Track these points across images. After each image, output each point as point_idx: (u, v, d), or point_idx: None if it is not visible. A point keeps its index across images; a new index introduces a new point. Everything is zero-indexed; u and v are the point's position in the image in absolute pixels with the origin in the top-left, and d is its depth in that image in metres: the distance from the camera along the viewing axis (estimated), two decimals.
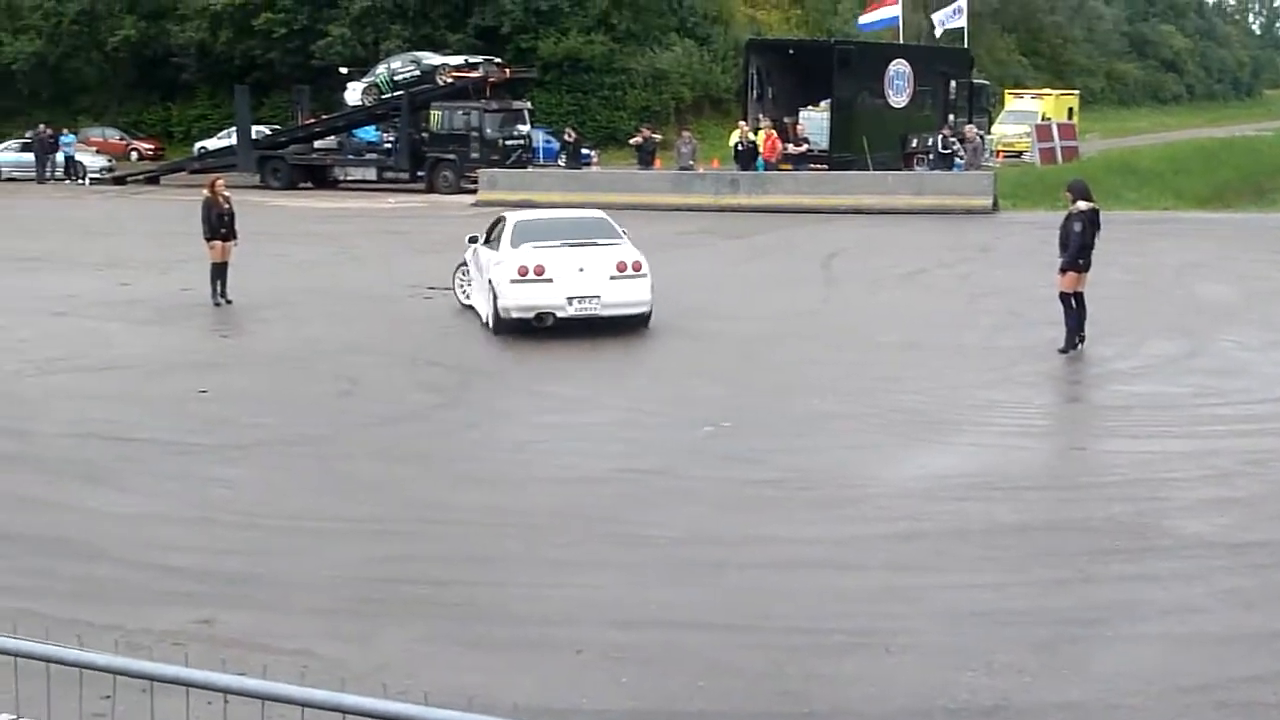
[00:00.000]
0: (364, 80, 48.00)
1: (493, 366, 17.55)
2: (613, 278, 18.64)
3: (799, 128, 41.32)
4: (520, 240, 19.10)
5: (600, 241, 19.34)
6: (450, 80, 45.91)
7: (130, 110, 65.78)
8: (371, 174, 47.30)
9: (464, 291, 21.20)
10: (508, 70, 48.35)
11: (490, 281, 19.03)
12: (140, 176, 51.90)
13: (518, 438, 13.73)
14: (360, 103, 47.76)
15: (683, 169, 39.68)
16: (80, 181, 50.45)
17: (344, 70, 50.86)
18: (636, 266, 18.79)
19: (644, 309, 18.98)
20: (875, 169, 38.37)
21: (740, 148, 38.97)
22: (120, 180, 51.07)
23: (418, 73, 46.75)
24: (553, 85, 58.76)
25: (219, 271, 21.89)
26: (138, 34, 63.12)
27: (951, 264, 25.49)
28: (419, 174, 45.26)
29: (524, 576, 9.67)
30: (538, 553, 10.17)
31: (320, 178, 47.72)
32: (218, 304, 21.71)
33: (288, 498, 11.68)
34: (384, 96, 46.86)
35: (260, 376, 17.06)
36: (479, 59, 47.94)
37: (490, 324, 19.10)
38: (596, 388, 16.03)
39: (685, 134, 43.87)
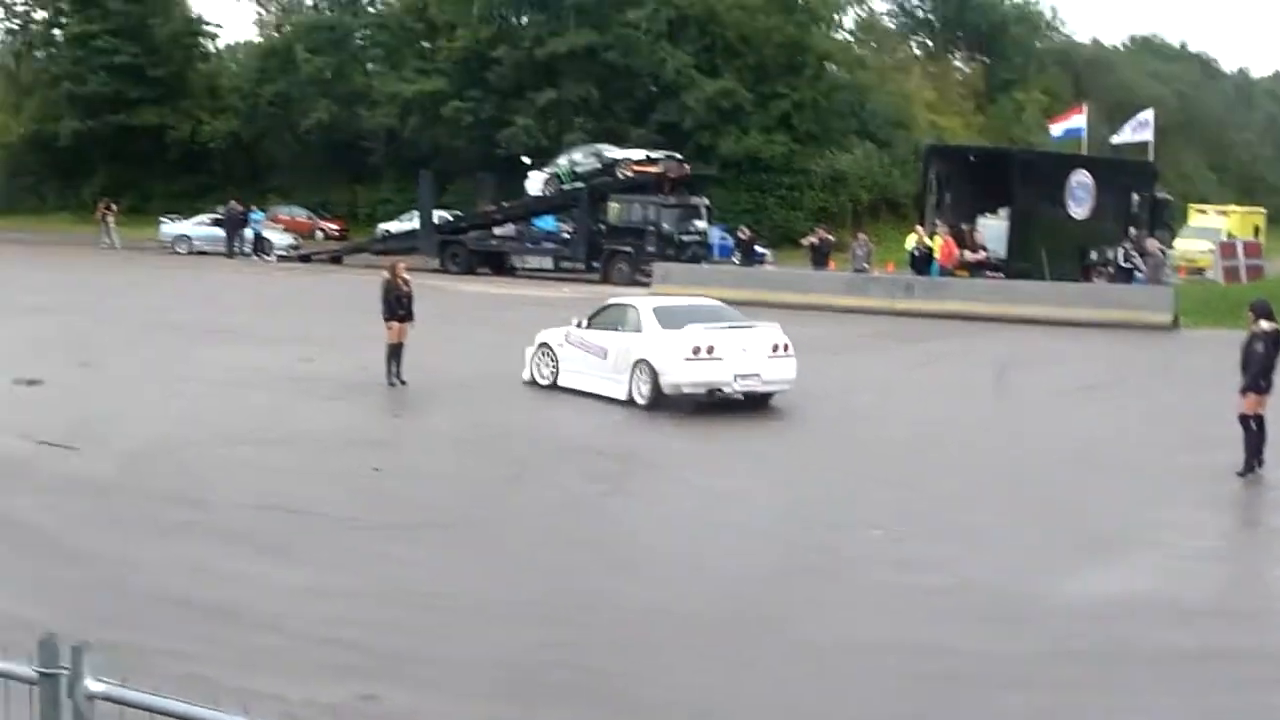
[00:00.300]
0: (546, 170, 48.76)
1: (656, 456, 17.62)
2: (770, 356, 20.40)
3: (977, 235, 40.96)
4: (666, 323, 20.60)
5: (753, 324, 21.03)
6: (630, 174, 46.50)
7: (318, 190, 67.46)
8: (548, 263, 47.95)
9: (541, 372, 22.26)
10: (687, 166, 48.83)
11: (645, 360, 20.32)
12: (324, 255, 53.12)
13: (681, 530, 13.75)
14: (541, 192, 48.49)
15: (857, 271, 39.62)
16: (267, 258, 51.70)
17: (526, 160, 51.73)
18: (787, 347, 20.52)
19: (790, 386, 20.68)
20: (1053, 280, 37.91)
21: (916, 253, 38.80)
22: (305, 258, 52.27)
23: (598, 165, 47.42)
24: (731, 182, 59.10)
25: (395, 352, 22.28)
26: (329, 118, 64.99)
27: (1128, 380, 25.05)
28: (595, 265, 45.72)
29: (680, 671, 9.66)
30: (696, 648, 10.16)
31: (498, 264, 48.46)
32: (392, 384, 22.08)
33: (455, 578, 11.82)
34: (564, 187, 47.55)
35: (432, 457, 17.34)
36: (659, 154, 48.50)
37: (642, 400, 20.35)
38: (763, 483, 16.00)
39: (861, 236, 43.78)
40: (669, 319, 20.69)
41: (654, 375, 20.13)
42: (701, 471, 16.55)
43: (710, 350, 19.94)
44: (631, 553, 12.95)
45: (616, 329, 21.17)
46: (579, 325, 21.91)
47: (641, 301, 22.17)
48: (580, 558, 12.76)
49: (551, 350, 22.14)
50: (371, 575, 11.82)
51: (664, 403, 19.98)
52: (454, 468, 16.62)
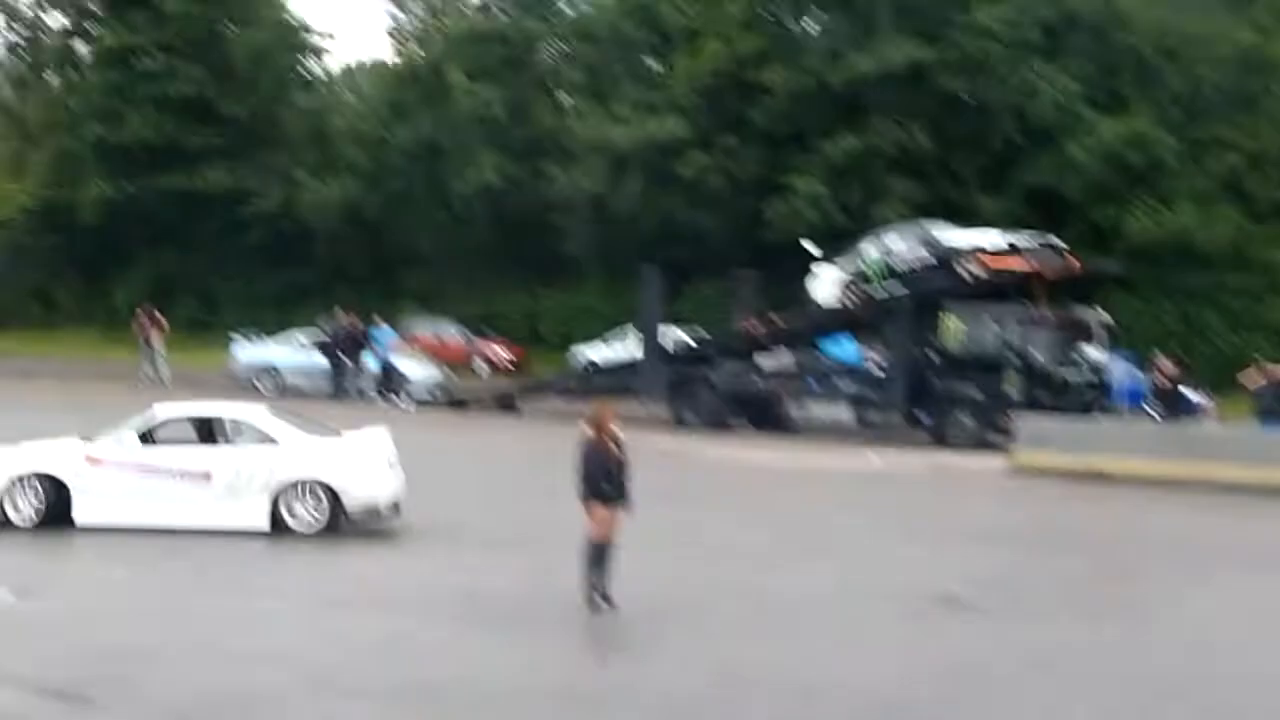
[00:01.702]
0: (843, 265, 48.79)
1: None
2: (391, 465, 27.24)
3: None
4: (309, 430, 26.78)
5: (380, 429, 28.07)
6: (981, 272, 46.24)
7: (479, 295, 67.83)
8: (845, 412, 47.86)
9: (19, 510, 26.19)
10: (1075, 260, 48.41)
11: (316, 480, 25.86)
12: (489, 399, 53.81)
13: None
14: (835, 300, 48.52)
15: None
16: (400, 402, 51.96)
17: (811, 247, 51.43)
18: None
19: None
20: None
21: None
22: (459, 403, 52.93)
23: (929, 258, 47.35)
24: (1144, 286, 58.35)
25: (600, 555, 22.23)
26: (499, 178, 65.34)
27: None
28: (920, 416, 45.86)
29: None
30: None
31: (764, 413, 48.67)
32: (594, 606, 22.03)
33: None
34: (873, 292, 47.53)
35: None
36: (1028, 239, 48.19)
37: (310, 529, 25.84)
38: None
39: None
40: (302, 424, 26.96)
41: (332, 495, 25.78)
42: None
43: (393, 459, 26.53)
44: None
45: (217, 442, 26.44)
46: (117, 444, 26.48)
47: (235, 408, 28.28)
48: None
49: (56, 481, 26.06)
50: None
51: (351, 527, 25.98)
52: None
